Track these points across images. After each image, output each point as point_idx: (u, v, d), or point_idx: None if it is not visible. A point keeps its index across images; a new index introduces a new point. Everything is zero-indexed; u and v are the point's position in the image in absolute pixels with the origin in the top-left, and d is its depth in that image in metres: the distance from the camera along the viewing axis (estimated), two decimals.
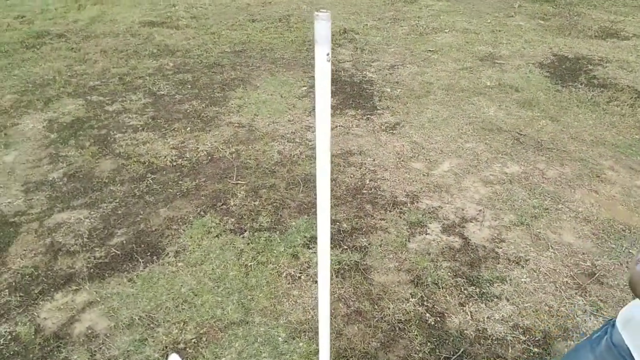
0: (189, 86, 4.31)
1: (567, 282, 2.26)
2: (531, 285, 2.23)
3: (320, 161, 1.17)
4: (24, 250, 2.43)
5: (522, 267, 2.34)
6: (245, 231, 2.56)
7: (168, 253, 2.42)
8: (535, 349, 1.94)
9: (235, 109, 3.91)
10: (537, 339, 1.98)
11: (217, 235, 2.53)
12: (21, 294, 2.18)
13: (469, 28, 5.97)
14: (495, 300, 2.15)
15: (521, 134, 3.53)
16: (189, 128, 3.60)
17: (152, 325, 2.02)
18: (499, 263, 2.36)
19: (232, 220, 2.65)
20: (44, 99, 4.00)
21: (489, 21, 6.23)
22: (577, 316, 2.08)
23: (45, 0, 7.04)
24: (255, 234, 2.54)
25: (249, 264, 2.35)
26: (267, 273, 2.30)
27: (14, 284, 2.24)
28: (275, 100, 4.04)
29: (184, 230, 2.57)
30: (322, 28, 0.95)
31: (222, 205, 2.77)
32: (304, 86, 4.32)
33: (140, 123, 3.67)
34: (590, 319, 2.07)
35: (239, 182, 2.97)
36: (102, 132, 3.54)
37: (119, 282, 2.25)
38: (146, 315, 2.07)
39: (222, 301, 2.15)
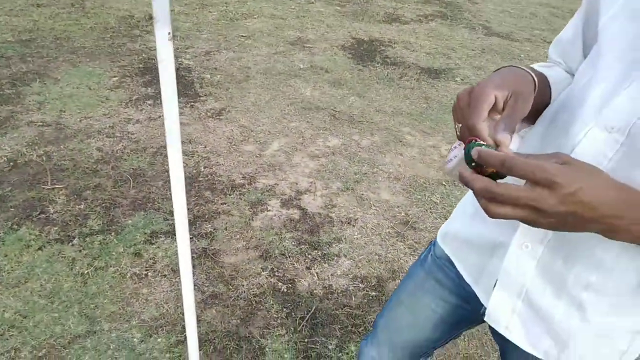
0: None
1: (389, 232, 2.64)
2: (362, 240, 2.54)
3: (171, 150, 1.16)
4: None
5: (353, 226, 2.64)
6: (74, 238, 2.33)
7: None
8: (373, 293, 2.24)
9: (35, 106, 3.43)
10: (372, 284, 2.29)
11: (39, 248, 2.24)
12: None
13: (275, 14, 6.23)
14: (335, 258, 2.40)
15: (336, 111, 3.90)
16: None
17: None
18: (334, 226, 2.62)
19: (56, 228, 2.37)
20: None
21: (293, 7, 6.59)
22: (400, 259, 2.46)
23: None
24: (87, 239, 2.33)
25: (86, 272, 2.15)
26: (108, 277, 2.15)
27: None
28: (84, 94, 3.66)
29: None
30: (161, 6, 0.94)
31: (39, 214, 2.45)
32: (114, 76, 4.00)
33: None
34: (410, 259, 2.47)
35: (56, 186, 2.65)
36: None
37: None
38: None
39: (60, 317, 1.94)
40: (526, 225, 0.63)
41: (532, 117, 0.84)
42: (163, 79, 1.08)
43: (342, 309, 2.13)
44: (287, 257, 2.37)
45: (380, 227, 2.66)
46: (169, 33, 1.03)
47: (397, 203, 2.87)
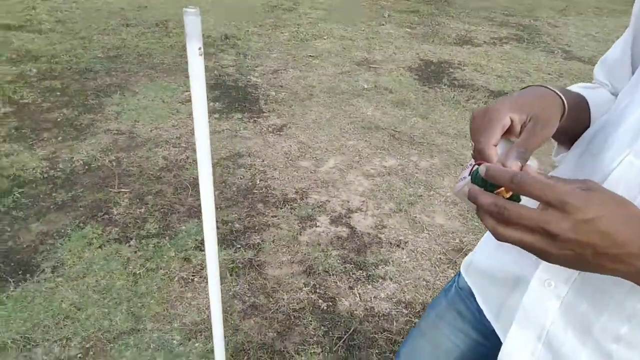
0: (58, 93, 3.98)
1: (440, 258, 2.53)
2: (410, 264, 2.46)
3: (201, 156, 1.19)
4: None
5: (402, 248, 2.56)
6: (132, 239, 2.46)
7: (44, 269, 2.23)
8: (416, 320, 2.14)
9: (113, 115, 3.71)
10: (417, 310, 2.19)
11: (100, 246, 2.39)
12: None
13: (345, 35, 6.32)
14: (380, 280, 2.34)
15: (396, 131, 3.85)
16: (60, 137, 3.34)
17: (28, 347, 1.86)
18: (382, 247, 2.56)
19: (116, 229, 2.52)
20: None
21: (362, 29, 6.66)
22: None
23: None
24: (143, 241, 2.45)
25: (138, 272, 2.26)
26: (157, 279, 2.23)
27: None
28: (157, 106, 3.91)
29: (61, 244, 2.39)
30: (192, 23, 0.98)
31: (104, 215, 2.62)
32: (186, 91, 4.23)
33: (2, 134, 3.31)
34: None
35: (122, 190, 2.83)
36: None
37: None
38: (21, 337, 1.89)
39: (109, 312, 2.04)
40: None
41: (569, 142, 0.77)
42: (194, 89, 1.12)
43: (381, 333, 2.06)
44: (330, 275, 2.34)
45: (431, 252, 2.56)
46: (200, 48, 1.07)
47: (452, 229, 2.75)
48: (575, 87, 0.79)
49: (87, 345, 1.89)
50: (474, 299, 0.88)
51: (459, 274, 0.97)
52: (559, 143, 0.81)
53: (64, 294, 2.11)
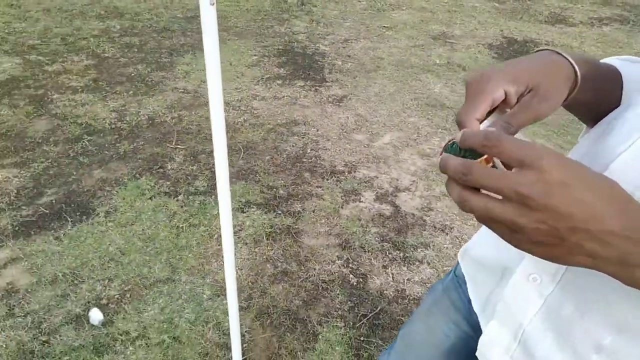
0: (136, 50, 4.19)
1: None
2: (452, 251, 2.35)
3: (213, 110, 1.18)
4: None
5: (446, 234, 2.45)
6: (180, 194, 2.56)
7: (98, 213, 2.39)
8: None
9: (182, 74, 3.84)
10: None
11: (150, 198, 2.52)
12: None
13: (425, 7, 6.03)
14: (417, 263, 2.26)
15: None
16: (131, 92, 3.52)
17: (75, 282, 2.02)
18: (425, 230, 2.46)
19: (168, 183, 2.64)
20: None
21: (445, 1, 6.31)
22: None
23: None
24: (190, 197, 2.54)
25: (181, 226, 2.36)
26: (198, 235, 2.32)
27: None
28: (224, 68, 3.99)
29: (117, 191, 2.54)
30: None
31: (159, 168, 2.75)
32: (254, 55, 4.28)
33: (81, 85, 3.55)
34: None
35: (178, 146, 2.94)
36: (39, 92, 3.41)
37: (45, 240, 2.21)
38: (70, 272, 2.06)
39: (149, 260, 2.16)
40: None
41: (592, 120, 0.66)
42: (206, 39, 1.10)
43: (408, 316, 2.00)
44: (365, 251, 2.30)
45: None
46: None
47: None
48: (612, 59, 0.67)
49: (126, 288, 2.02)
50: (467, 287, 0.81)
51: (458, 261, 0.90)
52: (582, 121, 0.70)
53: (112, 238, 2.25)
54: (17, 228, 2.26)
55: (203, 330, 1.87)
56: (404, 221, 2.51)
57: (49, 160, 2.73)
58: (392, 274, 2.19)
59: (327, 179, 2.77)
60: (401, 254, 2.30)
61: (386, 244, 2.35)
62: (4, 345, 1.76)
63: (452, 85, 4.04)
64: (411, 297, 2.08)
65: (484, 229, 0.81)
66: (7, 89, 3.41)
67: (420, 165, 2.97)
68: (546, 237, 0.40)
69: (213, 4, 1.05)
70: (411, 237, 2.41)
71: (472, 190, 0.43)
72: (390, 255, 2.29)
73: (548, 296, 0.58)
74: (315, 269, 2.18)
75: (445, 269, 2.24)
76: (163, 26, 4.75)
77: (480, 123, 0.54)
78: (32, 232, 2.24)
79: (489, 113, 0.56)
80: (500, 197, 0.41)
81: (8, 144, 2.85)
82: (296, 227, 2.41)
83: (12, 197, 2.44)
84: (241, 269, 2.15)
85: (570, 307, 0.56)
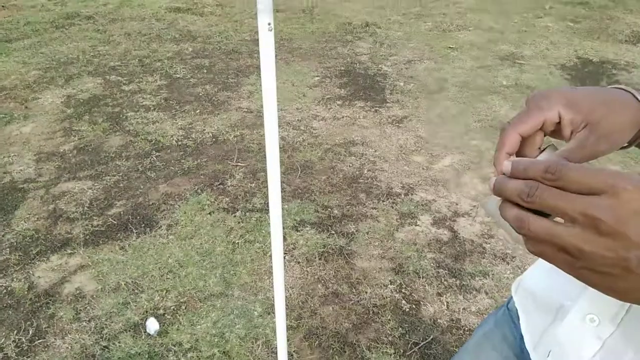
0: (205, 71, 4.41)
1: None
2: (513, 282, 2.21)
3: (268, 129, 1.20)
4: (28, 214, 2.56)
5: (507, 263, 2.32)
6: (238, 210, 2.63)
7: (161, 226, 2.51)
8: None
9: (247, 94, 3.98)
10: None
11: (210, 213, 2.60)
12: (20, 254, 2.30)
13: (494, 27, 5.87)
14: (474, 293, 2.15)
15: None
16: (198, 110, 3.70)
17: (136, 291, 2.11)
18: (484, 258, 2.35)
19: (227, 199, 2.72)
20: (65, 76, 4.17)
21: (515, 21, 6.11)
22: None
23: None
24: (247, 214, 2.60)
25: (237, 242, 2.41)
26: (252, 251, 2.36)
27: (15, 244, 2.37)
28: (287, 89, 4.09)
29: (179, 205, 2.66)
30: None
31: (219, 184, 2.84)
32: (317, 76, 4.35)
33: (153, 103, 3.78)
34: None
35: (239, 164, 3.03)
36: (115, 109, 3.67)
37: (112, 249, 2.35)
38: (132, 282, 2.16)
39: (205, 274, 2.22)
40: (594, 291, 0.43)
41: None
42: (263, 63, 1.13)
43: None
44: (420, 277, 2.22)
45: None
46: (269, 24, 1.07)
47: None
48: None
49: (182, 300, 2.08)
50: (520, 322, 0.76)
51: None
52: None
53: (172, 250, 2.35)
54: (87, 237, 2.42)
55: (252, 347, 1.89)
56: (462, 247, 2.41)
57: (120, 174, 2.91)
58: (447, 302, 2.11)
59: (383, 201, 2.73)
60: (457, 282, 2.20)
61: (442, 270, 2.27)
62: (69, 347, 1.87)
63: (520, 107, 3.87)
64: (466, 328, 1.98)
65: (540, 261, 0.76)
66: (89, 107, 3.69)
67: (482, 190, 2.85)
68: (612, 267, 0.36)
69: (271, 30, 1.08)
70: (469, 264, 2.31)
71: (535, 208, 0.40)
72: (445, 283, 2.20)
73: (607, 339, 0.53)
74: (366, 292, 2.14)
75: (504, 299, 2.11)
76: (231, 48, 4.97)
77: (536, 155, 0.51)
78: (101, 242, 2.39)
79: (541, 151, 0.53)
80: (563, 221, 0.38)
81: (86, 157, 3.07)
82: (349, 248, 2.39)
83: (85, 208, 2.62)
84: (292, 288, 2.16)
85: (630, 353, 0.51)
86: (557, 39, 5.48)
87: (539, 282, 0.71)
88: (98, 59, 4.59)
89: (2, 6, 6.01)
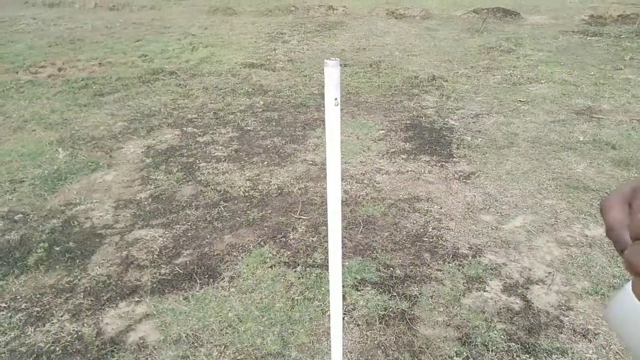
0: (274, 124, 4.57)
1: None
2: None
3: (331, 194, 1.20)
4: (103, 260, 2.71)
5: (590, 341, 2.10)
6: (299, 265, 2.62)
7: (224, 277, 2.55)
8: None
9: (312, 147, 4.06)
10: None
11: (271, 266, 2.62)
12: (92, 299, 2.42)
13: (568, 80, 5.66)
14: None
15: None
16: (266, 162, 3.81)
17: (195, 345, 2.13)
18: (562, 333, 2.15)
19: (288, 253, 2.72)
20: (147, 128, 4.50)
21: (592, 73, 5.86)
22: None
23: (167, 43, 7.98)
24: (308, 269, 2.58)
25: (296, 298, 2.38)
26: (312, 309, 2.32)
27: (89, 288, 2.50)
28: (351, 142, 4.13)
29: (242, 257, 2.70)
30: (331, 74, 1.00)
31: (282, 237, 2.87)
32: (381, 130, 4.37)
33: (224, 154, 3.95)
34: None
35: (302, 217, 3.05)
36: (189, 160, 3.87)
37: (176, 299, 2.40)
38: (193, 334, 2.18)
39: (264, 330, 2.20)
40: None
41: None
42: (329, 133, 1.14)
43: None
44: (489, 351, 2.06)
45: (628, 355, 2.03)
46: (336, 99, 1.08)
47: None
48: None
49: (239, 357, 2.07)
50: None
51: None
52: None
53: (232, 304, 2.36)
54: (154, 285, 2.50)
55: None
56: (537, 319, 2.23)
57: (189, 223, 3.03)
58: None
59: (449, 262, 2.61)
60: (531, 359, 2.02)
61: (514, 344, 2.09)
62: None
63: (598, 165, 3.63)
64: None
65: None
66: (165, 157, 3.93)
67: (558, 255, 2.65)
68: None
69: (337, 104, 1.10)
70: (544, 339, 2.12)
71: None
72: (518, 359, 2.02)
73: None
74: None
75: None
76: (300, 102, 5.15)
77: None
78: (166, 291, 2.46)
79: None
80: None
81: (159, 206, 3.24)
82: (412, 312, 2.28)
83: (154, 256, 2.73)
84: (350, 352, 2.08)
85: None
86: (639, 92, 5.16)
87: None
88: (177, 111, 4.92)
89: (100, 63, 6.68)
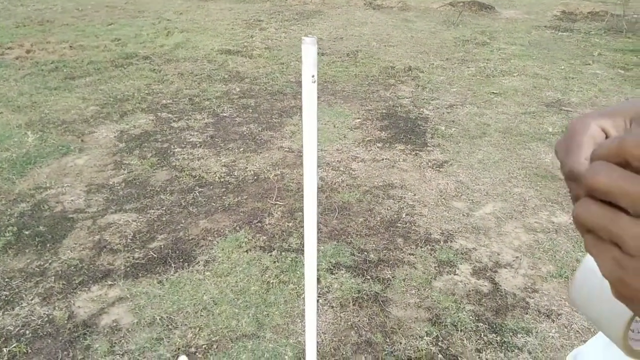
0: (250, 110, 4.55)
1: None
2: (558, 342, 2.09)
3: (307, 174, 1.22)
4: (75, 243, 2.67)
5: (553, 321, 2.20)
6: (274, 250, 2.64)
7: (199, 262, 2.54)
8: None
9: (289, 134, 4.07)
10: None
11: (246, 251, 2.63)
12: (64, 282, 2.39)
13: (539, 73, 5.80)
14: (516, 351, 2.04)
15: None
16: (242, 149, 3.80)
17: (170, 327, 2.13)
18: (527, 313, 2.24)
19: (264, 238, 2.74)
20: (120, 112, 4.42)
21: (562, 67, 6.02)
22: None
23: (140, 27, 7.80)
24: (283, 253, 2.61)
25: (271, 282, 2.41)
26: (286, 292, 2.34)
27: (60, 272, 2.46)
28: (328, 130, 4.15)
29: (217, 242, 2.70)
30: (309, 52, 1.02)
31: (257, 222, 2.88)
32: (358, 118, 4.41)
33: (200, 140, 3.92)
34: None
35: (278, 202, 3.07)
36: (164, 145, 3.83)
37: (150, 283, 2.39)
38: (167, 317, 2.18)
39: (238, 313, 2.22)
40: None
41: None
42: (305, 112, 1.16)
43: None
44: (458, 330, 2.13)
45: (590, 334, 2.14)
46: (313, 76, 1.10)
47: (625, 308, 2.25)
48: None
49: (214, 339, 2.08)
50: None
51: None
52: None
53: (207, 287, 2.37)
54: (128, 269, 2.48)
55: None
56: (504, 301, 2.31)
57: (164, 208, 3.00)
58: (487, 359, 2.00)
59: (421, 247, 2.67)
60: (498, 338, 2.10)
61: (482, 324, 2.17)
62: None
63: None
64: None
65: (596, 338, 0.71)
66: (139, 142, 3.87)
67: (525, 241, 2.75)
68: None
69: (314, 81, 1.11)
70: (511, 319, 2.20)
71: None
72: (485, 338, 2.10)
73: None
74: (401, 343, 2.07)
75: None
76: (277, 89, 5.13)
77: None
78: (140, 274, 2.44)
79: None
80: None
81: (133, 190, 3.20)
82: (384, 295, 2.34)
83: (128, 240, 2.70)
84: (324, 334, 2.12)
85: None
86: (606, 87, 5.34)
87: (595, 358, 0.66)
88: (152, 96, 4.84)
89: (70, 46, 6.50)
